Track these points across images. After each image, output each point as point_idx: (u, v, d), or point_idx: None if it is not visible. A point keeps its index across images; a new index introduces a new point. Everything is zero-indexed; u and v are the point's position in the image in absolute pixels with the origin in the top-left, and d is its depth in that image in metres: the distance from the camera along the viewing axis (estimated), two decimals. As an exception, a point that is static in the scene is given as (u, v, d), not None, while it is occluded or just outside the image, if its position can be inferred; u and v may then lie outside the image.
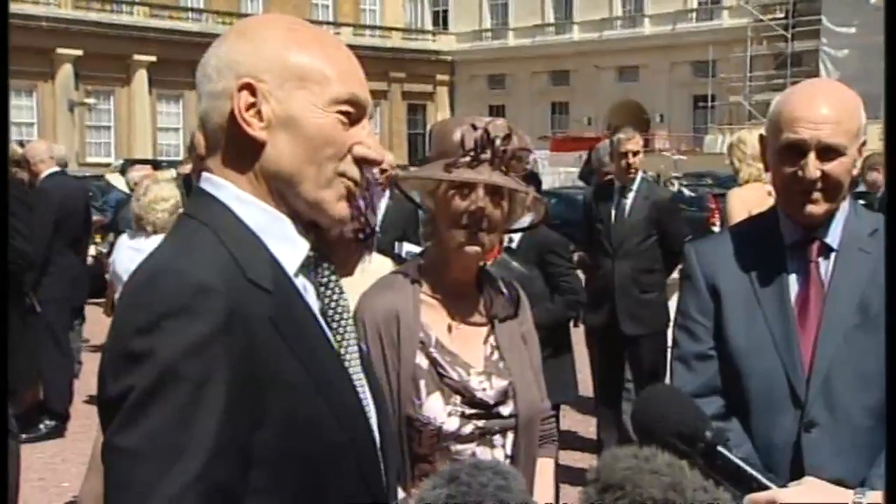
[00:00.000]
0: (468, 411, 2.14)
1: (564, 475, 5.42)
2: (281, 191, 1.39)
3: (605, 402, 6.34)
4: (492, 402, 2.16)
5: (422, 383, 2.13)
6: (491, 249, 2.26)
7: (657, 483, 1.19)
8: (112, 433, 1.24)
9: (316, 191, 1.39)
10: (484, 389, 2.16)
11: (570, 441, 6.62)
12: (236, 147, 1.38)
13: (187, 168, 10.73)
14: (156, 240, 4.96)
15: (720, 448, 1.64)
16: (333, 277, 1.47)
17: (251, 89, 1.36)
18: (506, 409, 2.18)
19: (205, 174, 1.42)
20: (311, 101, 1.38)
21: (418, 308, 2.19)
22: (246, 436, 1.27)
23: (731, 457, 1.63)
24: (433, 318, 2.20)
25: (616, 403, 6.28)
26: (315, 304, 1.43)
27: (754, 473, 1.60)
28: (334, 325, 1.45)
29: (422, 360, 2.15)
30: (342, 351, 1.45)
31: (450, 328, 2.20)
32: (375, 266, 2.63)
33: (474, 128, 2.12)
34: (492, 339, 2.24)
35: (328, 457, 1.35)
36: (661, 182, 13.32)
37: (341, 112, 1.40)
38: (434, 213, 2.20)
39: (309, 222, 1.43)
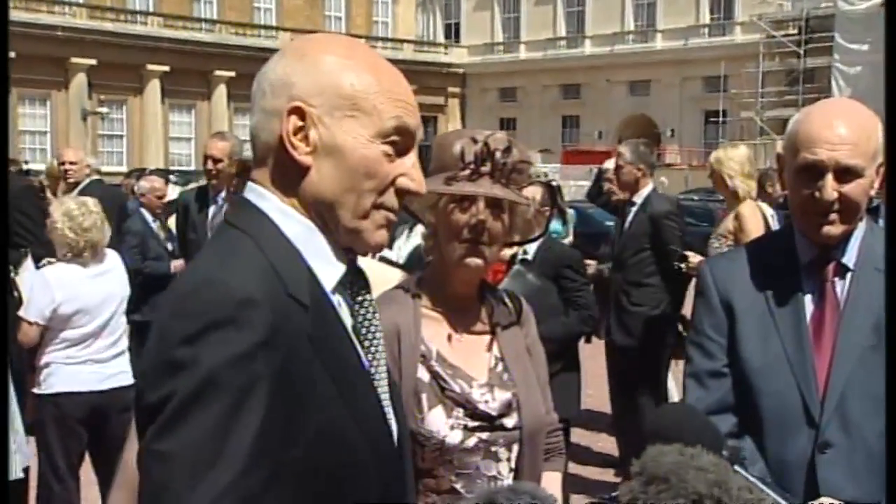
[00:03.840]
0: (471, 424, 2.12)
1: (574, 485, 5.44)
2: (321, 214, 1.40)
3: (617, 412, 6.42)
4: (495, 413, 2.15)
5: (423, 397, 2.12)
6: (492, 263, 2.25)
7: (702, 479, 1.20)
8: (150, 438, 1.25)
9: (353, 220, 1.40)
10: (486, 402, 2.15)
11: (580, 454, 6.62)
12: (281, 167, 1.40)
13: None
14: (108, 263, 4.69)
15: (736, 467, 1.63)
16: (368, 297, 1.48)
17: (300, 113, 1.37)
18: (510, 422, 2.16)
19: (250, 184, 1.43)
20: (359, 131, 1.39)
21: (419, 322, 2.18)
22: (280, 449, 1.27)
23: (748, 476, 1.63)
24: (434, 331, 2.19)
25: (627, 413, 6.30)
26: (348, 321, 1.44)
27: (771, 493, 1.60)
28: (366, 343, 1.46)
29: (423, 374, 2.14)
30: (373, 370, 1.46)
31: (450, 338, 2.19)
32: (385, 277, 2.61)
33: (474, 141, 2.11)
34: (495, 348, 2.22)
35: (354, 472, 1.36)
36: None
37: (388, 143, 1.40)
38: (434, 227, 2.19)
39: (347, 247, 1.44)
